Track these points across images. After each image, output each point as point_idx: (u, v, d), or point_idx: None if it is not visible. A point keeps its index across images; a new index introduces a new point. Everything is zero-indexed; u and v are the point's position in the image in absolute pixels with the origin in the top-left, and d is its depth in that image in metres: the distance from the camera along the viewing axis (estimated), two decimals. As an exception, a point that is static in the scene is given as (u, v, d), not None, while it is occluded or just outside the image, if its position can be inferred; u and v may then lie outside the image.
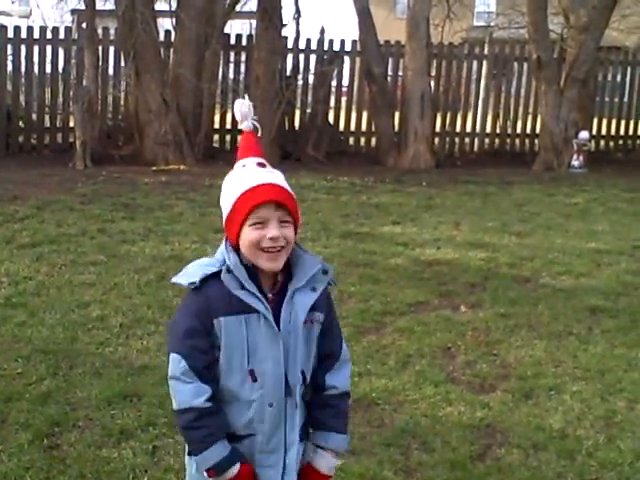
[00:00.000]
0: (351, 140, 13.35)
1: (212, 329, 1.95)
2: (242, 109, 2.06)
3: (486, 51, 13.81)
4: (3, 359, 4.23)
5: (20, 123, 12.01)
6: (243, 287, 1.93)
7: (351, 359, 2.18)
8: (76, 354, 4.30)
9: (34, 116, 12.08)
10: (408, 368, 4.36)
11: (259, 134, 2.09)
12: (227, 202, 1.99)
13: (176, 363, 1.97)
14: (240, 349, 1.95)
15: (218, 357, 1.97)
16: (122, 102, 12.32)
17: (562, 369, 4.41)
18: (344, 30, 16.45)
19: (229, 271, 1.94)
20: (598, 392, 4.13)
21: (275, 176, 2.01)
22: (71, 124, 11.54)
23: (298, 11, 12.54)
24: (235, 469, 1.97)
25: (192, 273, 1.98)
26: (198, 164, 11.03)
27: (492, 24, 17.86)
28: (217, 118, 12.60)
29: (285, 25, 12.25)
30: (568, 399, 4.03)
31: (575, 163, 12.42)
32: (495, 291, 5.72)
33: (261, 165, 2.03)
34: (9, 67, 11.95)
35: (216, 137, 12.71)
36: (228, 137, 12.81)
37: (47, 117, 12.12)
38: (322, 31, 12.85)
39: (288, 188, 2.00)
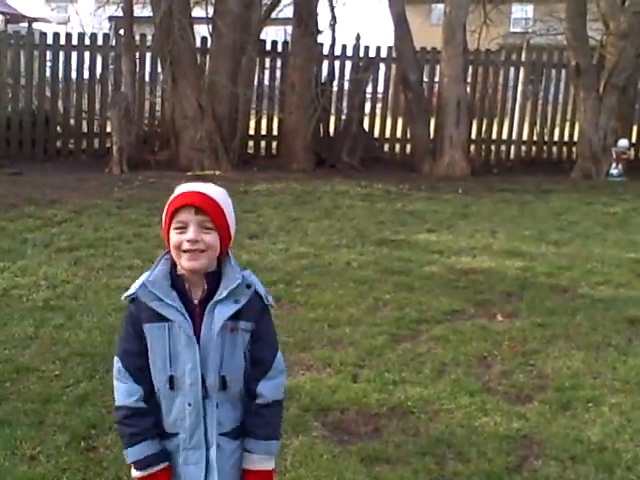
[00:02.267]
0: (386, 147, 13.33)
1: (142, 334, 2.12)
2: None
3: (523, 57, 13.69)
4: (41, 361, 4.27)
5: (58, 128, 12.20)
6: (160, 299, 2.07)
7: (286, 371, 2.27)
8: (112, 357, 4.32)
9: (72, 121, 12.26)
10: (443, 377, 4.32)
11: None
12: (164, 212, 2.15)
13: (115, 363, 2.17)
14: (162, 354, 2.10)
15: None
16: (158, 108, 12.45)
17: (601, 381, 4.33)
18: (380, 37, 16.45)
19: (144, 286, 2.10)
20: (637, 404, 4.05)
21: (205, 186, 2.12)
22: (108, 129, 11.70)
23: (334, 18, 12.58)
24: (155, 468, 2.13)
25: (131, 287, 2.15)
26: (233, 170, 11.10)
27: (529, 30, 17.71)
28: (252, 124, 12.66)
29: (321, 32, 12.29)
30: (607, 411, 3.95)
31: (614, 171, 12.26)
32: (532, 301, 5.65)
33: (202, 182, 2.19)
34: (48, 73, 12.13)
35: (251, 143, 12.79)
36: (263, 143, 12.88)
37: (85, 122, 12.30)
38: (358, 38, 12.85)
39: (216, 197, 2.10)
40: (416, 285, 5.90)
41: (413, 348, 4.71)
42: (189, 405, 2.11)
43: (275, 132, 12.74)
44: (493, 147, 13.67)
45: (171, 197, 2.12)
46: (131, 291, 2.14)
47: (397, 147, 13.29)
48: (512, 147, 13.77)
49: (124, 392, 2.14)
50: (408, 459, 3.43)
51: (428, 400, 4.00)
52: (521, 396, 4.15)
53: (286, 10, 14.35)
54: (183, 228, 2.07)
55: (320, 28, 12.24)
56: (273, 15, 13.46)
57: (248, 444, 2.18)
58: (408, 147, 13.03)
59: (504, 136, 13.69)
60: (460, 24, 11.97)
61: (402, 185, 10.43)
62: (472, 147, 13.14)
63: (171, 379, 2.10)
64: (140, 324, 2.11)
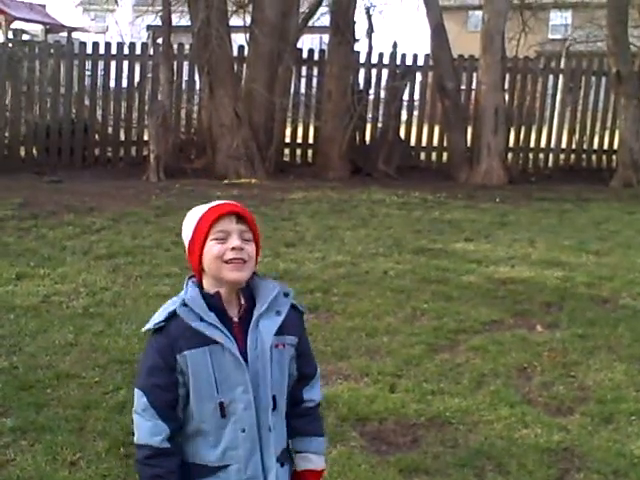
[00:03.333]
0: (422, 155, 13.26)
1: (176, 365, 1.96)
2: None
3: (562, 65, 13.55)
4: (81, 367, 4.32)
5: (96, 136, 12.34)
6: (202, 319, 1.94)
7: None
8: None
9: (110, 130, 12.40)
10: (483, 388, 4.27)
11: None
12: (188, 229, 2.03)
13: (138, 398, 2.03)
14: (207, 380, 1.95)
15: (183, 394, 1.99)
16: (195, 116, 12.54)
17: (644, 393, 4.25)
18: (417, 44, 16.44)
19: (185, 304, 1.96)
20: (682, 418, 3.97)
21: (233, 203, 2.06)
22: (145, 138, 11.82)
23: (371, 26, 12.59)
24: None
25: (157, 316, 2.00)
26: (269, 178, 11.13)
27: (569, 37, 17.53)
28: (288, 132, 12.70)
29: (358, 40, 12.31)
30: (650, 425, 3.88)
31: (655, 180, 12.06)
32: (572, 311, 5.57)
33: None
34: (87, 82, 12.30)
35: (287, 151, 12.82)
36: (299, 151, 12.91)
37: (122, 131, 12.43)
38: (395, 46, 12.84)
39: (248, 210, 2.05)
40: (454, 295, 5.85)
41: (452, 358, 4.67)
42: (243, 431, 1.96)
43: (311, 140, 12.76)
44: (531, 155, 13.53)
45: (198, 213, 2.01)
46: (160, 318, 1.97)
47: (434, 155, 13.23)
48: (550, 155, 13.62)
49: (148, 430, 2.01)
50: (447, 470, 3.40)
51: (467, 411, 3.96)
52: (562, 408, 4.09)
53: (323, 19, 14.38)
54: (223, 238, 1.97)
55: (357, 36, 12.26)
56: (310, 23, 13.46)
57: (302, 444, 2.11)
58: (445, 155, 12.96)
59: (542, 144, 13.55)
60: (498, 31, 11.89)
61: (439, 193, 10.38)
62: (510, 155, 13.02)
63: (221, 406, 1.95)
64: (173, 354, 1.95)
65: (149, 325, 2.00)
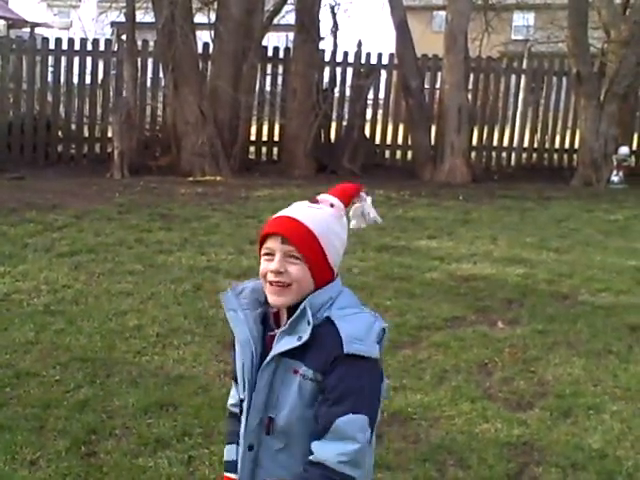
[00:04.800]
0: (387, 153, 13.34)
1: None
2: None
3: (524, 65, 13.72)
4: (42, 366, 4.27)
5: (59, 133, 12.20)
6: (235, 310, 1.91)
7: (355, 439, 1.75)
8: (113, 363, 4.33)
9: (73, 126, 12.28)
10: (444, 383, 4.32)
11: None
12: None
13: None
14: (240, 369, 1.94)
15: None
16: (160, 113, 12.46)
17: (601, 388, 4.33)
18: (381, 44, 16.50)
19: (229, 291, 1.94)
20: (638, 412, 4.05)
21: (305, 211, 1.88)
22: (109, 134, 11.72)
23: (336, 24, 12.62)
24: (226, 474, 2.05)
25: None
26: (234, 176, 11.10)
27: (531, 38, 17.74)
28: (254, 130, 12.68)
29: (323, 38, 12.34)
30: (608, 419, 3.95)
31: (615, 179, 12.28)
32: (533, 308, 5.64)
33: (315, 201, 1.93)
34: (49, 78, 12.15)
35: (252, 149, 12.81)
36: (264, 149, 12.90)
37: (86, 127, 12.31)
38: (359, 44, 12.88)
39: (310, 224, 1.84)
40: (417, 291, 5.90)
41: (414, 354, 4.71)
42: (240, 441, 1.92)
43: (276, 138, 12.76)
44: (494, 154, 13.68)
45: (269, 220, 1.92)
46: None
47: (398, 153, 13.31)
48: (513, 154, 13.78)
49: (231, 392, 2.08)
50: (408, 466, 3.43)
51: (429, 407, 4.00)
52: (522, 403, 4.15)
53: (288, 16, 14.39)
54: (270, 255, 1.85)
55: (322, 35, 12.28)
56: (275, 21, 13.48)
57: None
58: (409, 154, 13.05)
59: (505, 143, 13.71)
60: (462, 31, 11.99)
61: (403, 191, 10.44)
62: (473, 154, 13.14)
63: (241, 403, 1.93)
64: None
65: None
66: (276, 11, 13.44)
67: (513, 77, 13.70)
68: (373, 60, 12.84)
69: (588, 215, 9.48)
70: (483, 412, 3.96)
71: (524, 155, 13.81)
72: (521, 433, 3.76)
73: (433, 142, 12.48)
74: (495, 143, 13.62)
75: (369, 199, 1.97)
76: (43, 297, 5.43)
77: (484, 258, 7.02)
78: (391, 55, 12.91)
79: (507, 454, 3.57)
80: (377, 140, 13.24)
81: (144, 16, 13.38)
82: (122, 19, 12.36)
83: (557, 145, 13.90)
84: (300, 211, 1.87)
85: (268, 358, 1.83)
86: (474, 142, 13.14)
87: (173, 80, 11.24)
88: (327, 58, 12.73)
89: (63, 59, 12.08)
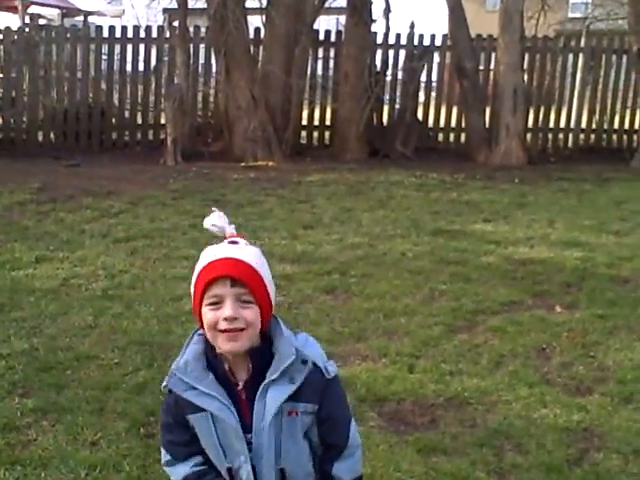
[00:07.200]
0: (440, 136, 13.18)
1: (188, 423, 1.88)
2: (218, 222, 1.95)
3: (582, 44, 13.38)
4: (101, 349, 4.34)
5: (113, 120, 12.36)
6: (194, 387, 1.83)
7: (362, 443, 2.00)
8: (170, 346, 4.37)
9: (127, 114, 12.42)
10: (501, 368, 4.26)
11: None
12: (192, 285, 1.87)
13: (163, 457, 1.95)
14: (214, 445, 1.86)
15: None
16: (212, 99, 12.53)
17: (664, 373, 4.22)
18: (435, 25, 16.28)
19: (173, 375, 1.85)
20: None
21: (240, 250, 1.83)
22: (162, 121, 11.83)
23: (388, 6, 12.48)
24: None
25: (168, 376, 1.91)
26: (286, 160, 11.11)
27: (589, 15, 17.29)
28: (305, 114, 12.66)
29: (375, 21, 12.21)
30: (671, 405, 3.85)
31: (677, 159, 11.93)
32: (592, 292, 5.52)
33: (233, 242, 1.88)
34: (103, 66, 12.31)
35: (304, 133, 12.78)
36: (316, 133, 12.87)
37: (139, 114, 12.45)
38: (412, 26, 12.73)
39: (252, 262, 1.80)
40: (473, 276, 5.83)
41: (470, 339, 4.65)
42: None
43: (328, 122, 12.71)
44: (550, 135, 13.40)
45: (199, 265, 1.83)
46: (165, 382, 1.89)
47: (452, 136, 13.14)
48: (570, 135, 13.48)
49: (180, 469, 1.91)
50: (465, 450, 3.39)
51: (485, 391, 3.94)
52: (581, 388, 4.06)
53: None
54: (218, 303, 1.77)
55: (374, 17, 12.16)
56: (326, 4, 13.37)
57: None
58: (463, 136, 12.87)
59: (562, 124, 13.41)
60: (517, 10, 11.74)
61: (457, 175, 10.32)
62: (529, 136, 12.91)
63: (229, 471, 1.87)
64: (182, 415, 1.86)
65: (163, 384, 1.91)
66: (327, -6, 13.34)
67: (570, 56, 13.36)
68: (426, 42, 12.67)
69: (649, 197, 9.24)
70: (541, 397, 3.89)
71: (582, 136, 13.49)
72: (581, 419, 3.69)
73: (488, 124, 12.28)
74: (552, 124, 13.33)
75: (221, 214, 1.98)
76: (101, 282, 5.52)
77: (541, 241, 6.90)
78: (444, 36, 12.73)
79: (566, 439, 3.50)
80: (430, 123, 13.09)
81: (196, 2, 13.40)
82: (174, 5, 12.39)
83: (616, 125, 13.53)
84: (237, 251, 1.82)
85: (274, 410, 1.80)
86: (530, 123, 12.88)
87: (225, 66, 11.28)
88: (379, 40, 12.61)
89: (117, 47, 12.21)
